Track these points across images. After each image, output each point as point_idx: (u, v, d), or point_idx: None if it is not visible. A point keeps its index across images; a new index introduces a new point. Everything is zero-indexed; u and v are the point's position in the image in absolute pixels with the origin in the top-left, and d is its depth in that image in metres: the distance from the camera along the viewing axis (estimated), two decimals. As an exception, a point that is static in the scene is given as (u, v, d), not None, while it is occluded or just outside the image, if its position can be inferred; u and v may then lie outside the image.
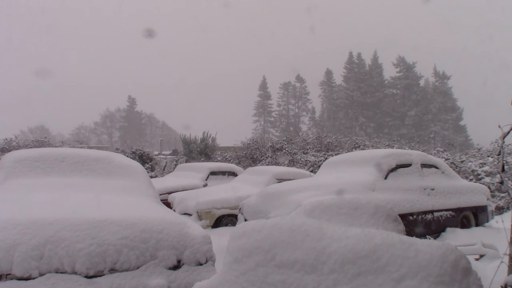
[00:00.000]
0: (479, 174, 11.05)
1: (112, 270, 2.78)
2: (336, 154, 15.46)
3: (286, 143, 19.19)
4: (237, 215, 6.92)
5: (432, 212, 6.13)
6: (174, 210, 7.45)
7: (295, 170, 9.02)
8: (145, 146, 43.15)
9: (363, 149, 18.05)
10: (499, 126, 2.69)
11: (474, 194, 6.88)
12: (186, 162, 17.23)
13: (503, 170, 2.83)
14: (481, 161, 12.42)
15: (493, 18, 71.71)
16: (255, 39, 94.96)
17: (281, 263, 2.05)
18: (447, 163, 10.01)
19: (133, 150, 17.69)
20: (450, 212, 6.39)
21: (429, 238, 4.74)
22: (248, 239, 2.16)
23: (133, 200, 3.84)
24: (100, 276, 2.74)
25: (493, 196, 10.14)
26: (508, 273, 2.45)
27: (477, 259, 4.23)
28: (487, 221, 7.01)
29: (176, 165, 16.52)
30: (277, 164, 15.87)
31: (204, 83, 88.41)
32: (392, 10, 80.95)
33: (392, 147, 19.18)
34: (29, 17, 78.08)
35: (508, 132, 2.64)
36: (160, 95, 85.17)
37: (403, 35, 74.98)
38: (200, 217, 6.96)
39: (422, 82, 59.25)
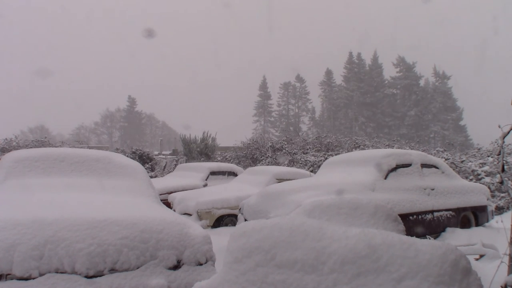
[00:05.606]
0: (479, 174, 11.05)
1: (112, 270, 2.78)
2: (336, 154, 15.46)
3: (286, 143, 19.20)
4: (237, 215, 6.92)
5: (432, 212, 6.13)
6: (174, 210, 7.45)
7: (295, 170, 9.02)
8: (145, 146, 43.09)
9: (363, 149, 18.06)
10: (499, 126, 2.69)
11: (474, 194, 6.87)
12: (186, 162, 17.23)
13: (503, 170, 2.82)
14: (481, 161, 12.42)
15: (493, 17, 71.76)
16: (255, 39, 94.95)
17: (281, 263, 2.04)
18: (447, 163, 10.02)
19: (133, 150, 17.69)
20: (450, 212, 6.39)
21: (429, 238, 4.74)
22: (248, 239, 2.16)
23: (133, 200, 3.84)
24: (100, 276, 2.74)
25: (493, 196, 10.15)
26: (508, 273, 2.45)
27: (477, 259, 4.23)
28: (487, 221, 7.01)
29: (176, 165, 16.52)
30: (277, 164, 15.88)
31: (204, 83, 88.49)
32: (392, 10, 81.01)
33: (392, 147, 19.19)
34: (29, 17, 78.13)
35: (508, 132, 2.64)
36: (160, 95, 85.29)
37: (403, 35, 75.12)
38: (200, 217, 6.96)
39: (422, 82, 59.29)
